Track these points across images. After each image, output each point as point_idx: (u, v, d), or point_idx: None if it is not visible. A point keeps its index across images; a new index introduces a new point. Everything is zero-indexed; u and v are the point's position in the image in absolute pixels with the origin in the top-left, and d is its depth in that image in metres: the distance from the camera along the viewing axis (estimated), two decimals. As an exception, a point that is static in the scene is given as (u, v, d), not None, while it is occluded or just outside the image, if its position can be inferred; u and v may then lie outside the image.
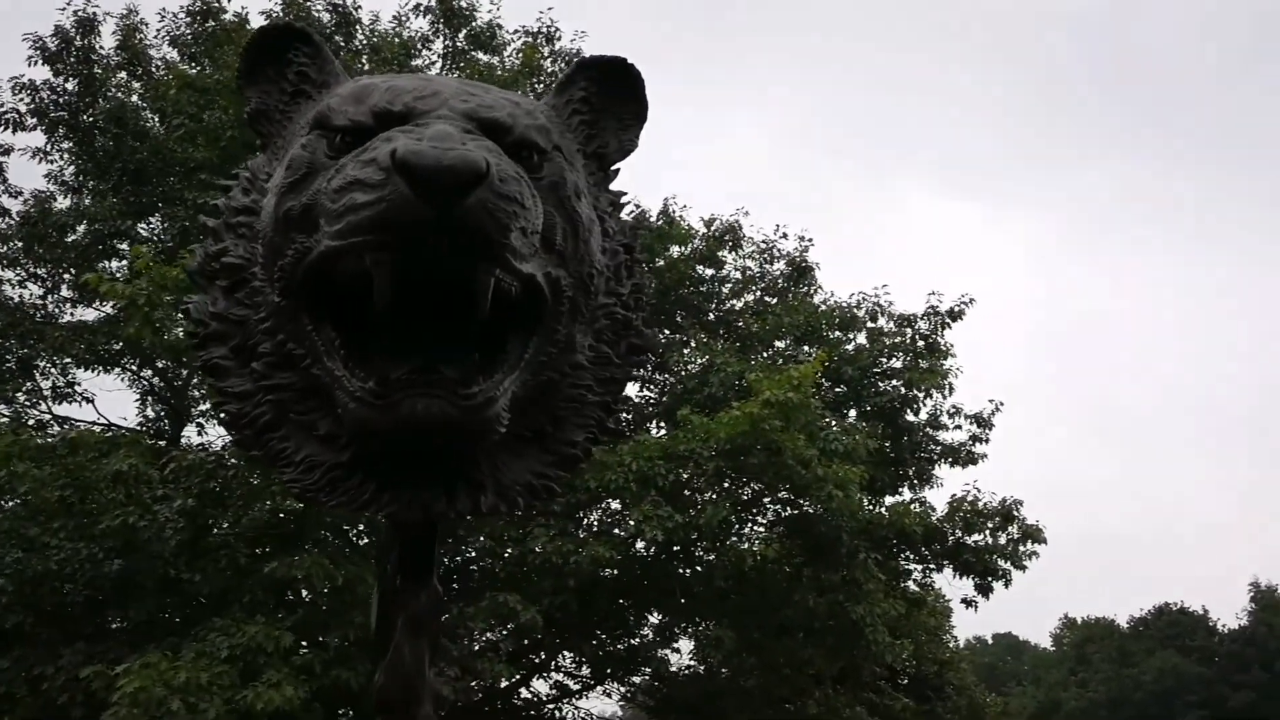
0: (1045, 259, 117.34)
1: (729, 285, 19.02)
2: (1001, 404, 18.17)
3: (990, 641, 79.14)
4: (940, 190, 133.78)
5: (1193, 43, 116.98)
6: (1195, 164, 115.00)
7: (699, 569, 16.07)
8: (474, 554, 15.42)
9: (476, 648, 14.69)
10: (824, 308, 18.44)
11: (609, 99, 2.55)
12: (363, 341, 2.09)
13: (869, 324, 18.51)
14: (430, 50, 18.19)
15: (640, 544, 14.96)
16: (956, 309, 18.11)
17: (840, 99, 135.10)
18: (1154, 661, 57.63)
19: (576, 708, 20.07)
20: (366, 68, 16.00)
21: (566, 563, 13.33)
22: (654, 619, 18.60)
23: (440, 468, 2.16)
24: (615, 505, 15.52)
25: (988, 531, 17.07)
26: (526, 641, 15.92)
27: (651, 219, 17.99)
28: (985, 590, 17.31)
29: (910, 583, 20.01)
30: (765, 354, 18.19)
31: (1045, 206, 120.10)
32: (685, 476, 14.85)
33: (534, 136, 2.21)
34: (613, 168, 2.60)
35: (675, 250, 18.29)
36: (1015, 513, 17.00)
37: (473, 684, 14.64)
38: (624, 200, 2.59)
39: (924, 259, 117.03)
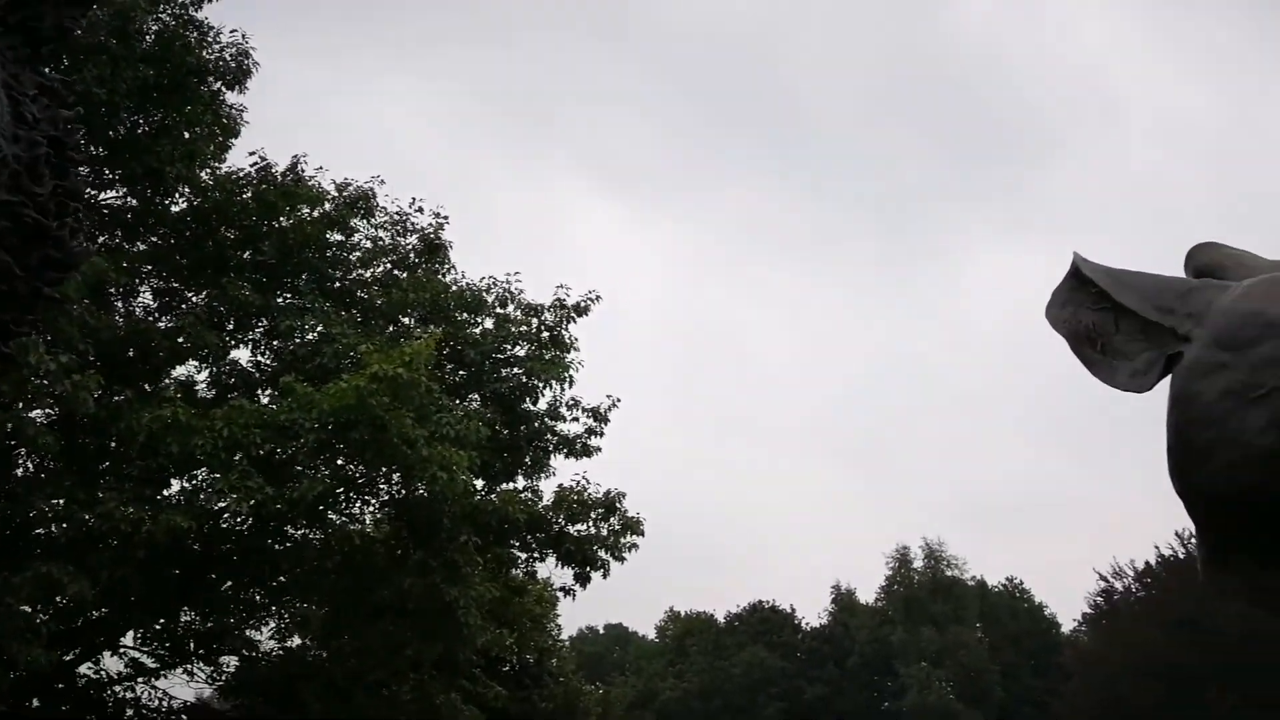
0: (681, 270, 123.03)
1: (358, 254, 18.30)
2: (619, 400, 18.58)
3: (602, 631, 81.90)
4: (591, 188, 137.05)
5: (831, 84, 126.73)
6: (819, 198, 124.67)
7: (291, 545, 15.29)
8: (32, 516, 13.84)
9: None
10: (454, 288, 18.12)
11: None
12: None
13: (498, 309, 18.39)
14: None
15: (227, 515, 14.01)
16: (583, 304, 18.34)
17: (503, 81, 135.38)
18: (744, 655, 61.65)
19: (154, 688, 18.57)
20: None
21: (136, 531, 12.22)
22: (245, 596, 17.58)
23: None
24: (203, 474, 14.44)
25: (591, 522, 17.38)
26: (82, 621, 14.53)
27: (278, 174, 16.97)
28: (584, 579, 17.62)
29: (516, 570, 20.15)
30: (389, 329, 17.64)
31: (689, 220, 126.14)
32: (284, 448, 14.09)
33: None
34: (47, 46, 2.16)
35: (305, 211, 17.39)
36: (618, 505, 17.42)
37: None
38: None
39: (564, 253, 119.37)
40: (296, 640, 18.87)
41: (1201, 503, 3.02)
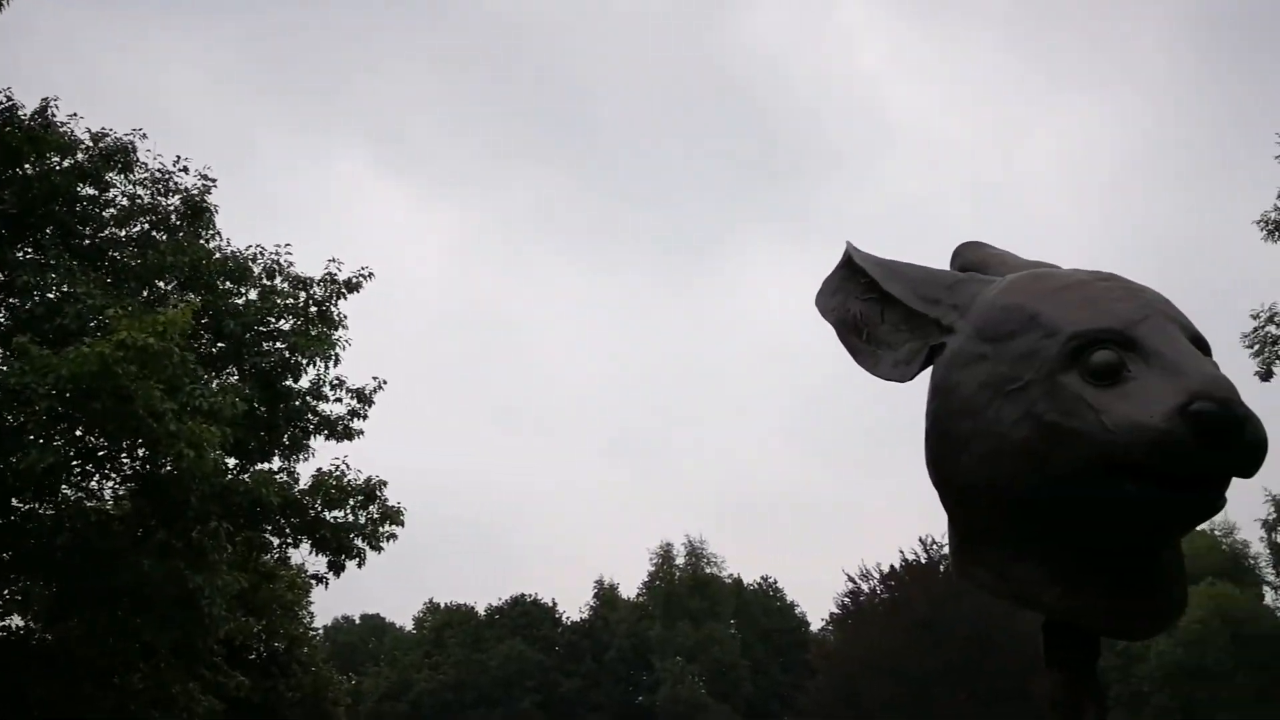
0: (465, 256, 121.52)
1: (112, 211, 17.05)
2: (385, 382, 17.97)
3: (358, 621, 79.86)
4: (376, 167, 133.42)
5: (624, 82, 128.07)
6: (606, 195, 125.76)
7: (15, 518, 14.09)
8: None
9: None
10: (217, 255, 17.13)
11: None
12: None
13: (264, 281, 17.51)
14: None
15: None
16: (355, 280, 17.68)
17: (290, 49, 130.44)
18: (502, 648, 61.36)
19: None
20: None
21: None
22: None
23: None
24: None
25: (349, 509, 16.76)
26: None
27: (25, 116, 15.62)
28: (338, 568, 16.98)
29: (268, 556, 19.27)
30: (143, 294, 16.53)
31: (475, 206, 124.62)
32: (14, 414, 12.96)
33: None
34: None
35: (54, 160, 16.09)
36: (379, 493, 16.87)
37: None
38: None
39: (343, 231, 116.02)
40: (17, 621, 17.47)
41: (955, 492, 3.05)
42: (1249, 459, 2.50)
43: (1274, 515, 59.64)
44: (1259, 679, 49.50)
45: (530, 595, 67.20)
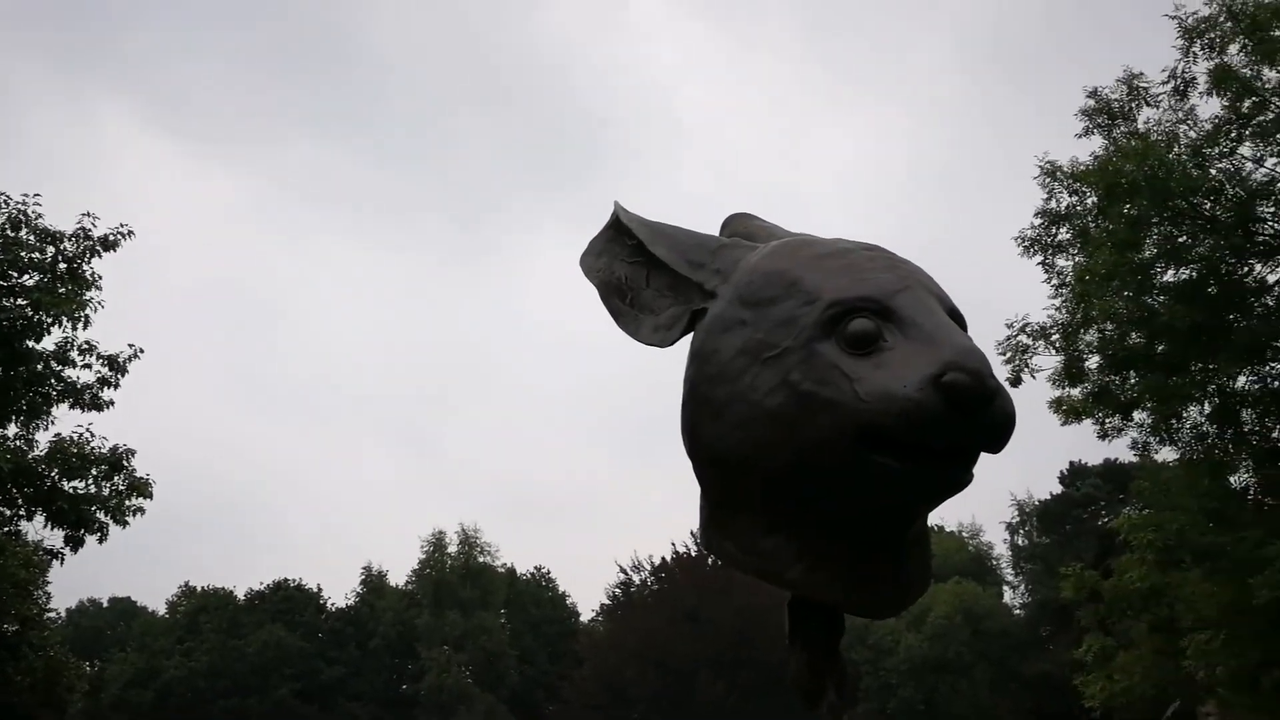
0: (237, 224, 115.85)
1: None
2: (141, 350, 16.84)
3: (106, 605, 75.52)
4: (143, 122, 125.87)
5: (417, 61, 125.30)
6: (393, 173, 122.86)
7: None
8: None
9: None
10: (-49, 200, 15.66)
11: None
12: None
13: (9, 232, 16.12)
14: None
15: None
16: (112, 238, 16.48)
17: None
18: (261, 634, 59.12)
19: None
20: None
21: None
22: None
23: None
24: None
25: (92, 479, 15.63)
26: None
27: None
28: (75, 543, 15.81)
29: (-3, 529, 17.81)
30: None
31: (251, 173, 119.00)
32: None
33: None
34: None
35: None
36: (126, 462, 15.79)
37: None
38: None
39: (104, 187, 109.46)
40: None
41: (708, 461, 2.93)
42: (997, 432, 2.50)
43: (1017, 519, 64.05)
44: (993, 671, 52.88)
45: (294, 580, 65.02)
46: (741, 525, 2.75)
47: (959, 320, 2.77)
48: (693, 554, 47.51)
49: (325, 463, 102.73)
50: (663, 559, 49.26)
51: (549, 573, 69.92)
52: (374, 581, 66.20)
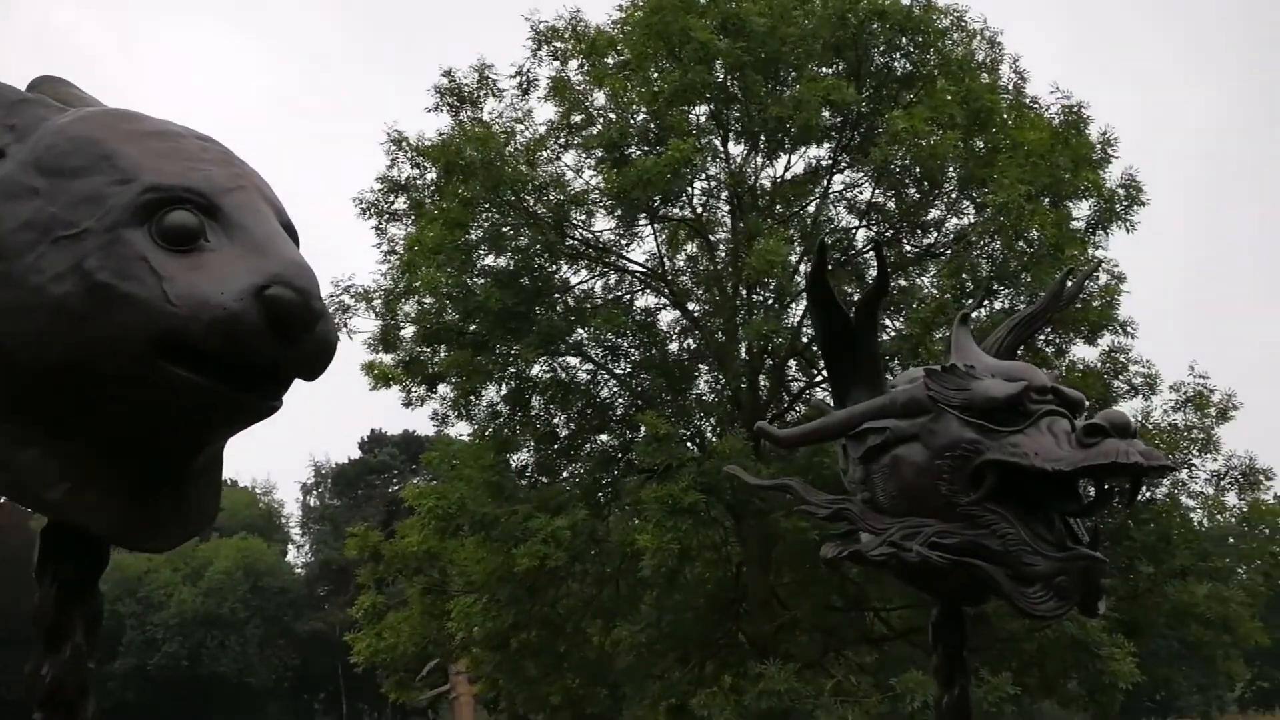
0: None
1: None
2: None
3: None
4: None
5: None
6: None
7: None
8: None
9: None
10: None
11: None
12: None
13: None
14: None
15: None
16: None
17: None
18: None
19: None
20: None
21: None
22: None
23: None
24: None
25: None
26: None
27: None
28: None
29: None
30: None
31: None
32: None
33: None
34: None
35: None
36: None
37: None
38: None
39: None
40: None
41: None
42: (316, 359, 2.29)
43: (313, 480, 64.67)
44: (266, 628, 53.00)
45: None
46: (24, 431, 2.25)
47: (293, 235, 2.51)
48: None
49: None
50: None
51: None
52: None
